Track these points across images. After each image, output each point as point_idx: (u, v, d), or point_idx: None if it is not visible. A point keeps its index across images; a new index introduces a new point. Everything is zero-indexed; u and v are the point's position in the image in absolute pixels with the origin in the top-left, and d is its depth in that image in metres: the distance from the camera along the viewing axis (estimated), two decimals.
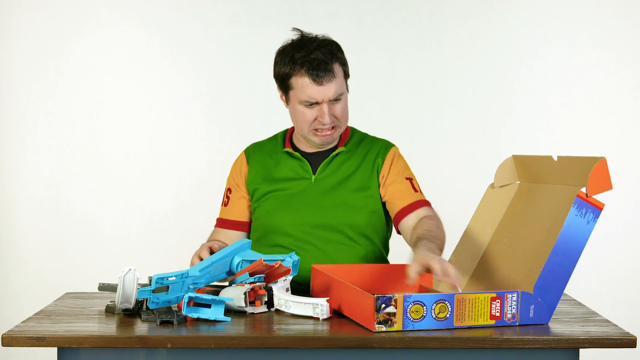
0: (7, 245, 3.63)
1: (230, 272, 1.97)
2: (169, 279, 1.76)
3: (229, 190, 2.38)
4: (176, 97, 3.64)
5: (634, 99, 3.64)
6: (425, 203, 2.28)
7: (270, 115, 3.61)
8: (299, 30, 2.27)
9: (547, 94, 3.64)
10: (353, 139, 2.36)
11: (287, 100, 2.29)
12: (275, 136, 2.42)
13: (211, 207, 3.62)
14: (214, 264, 1.90)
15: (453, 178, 3.60)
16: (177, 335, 1.68)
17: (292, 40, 2.26)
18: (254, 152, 2.39)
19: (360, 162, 2.31)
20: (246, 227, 2.36)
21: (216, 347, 1.66)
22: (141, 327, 1.74)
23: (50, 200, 3.62)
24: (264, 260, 1.89)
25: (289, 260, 1.95)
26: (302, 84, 2.20)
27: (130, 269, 1.81)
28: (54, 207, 3.62)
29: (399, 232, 2.31)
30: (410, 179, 2.31)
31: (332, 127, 2.24)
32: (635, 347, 1.70)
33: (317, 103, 2.20)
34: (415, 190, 2.30)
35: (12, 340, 1.67)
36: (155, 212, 3.65)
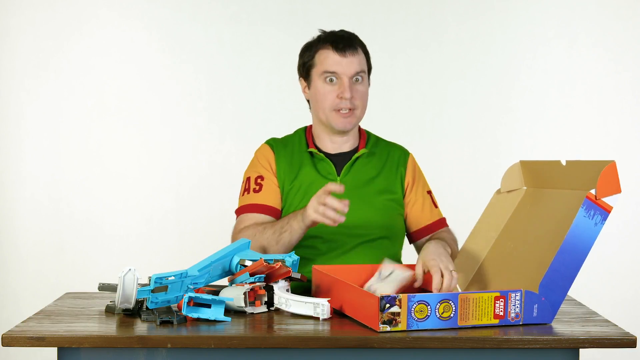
0: (7, 245, 3.63)
1: (230, 272, 1.97)
2: (168, 278, 1.76)
3: (260, 177, 2.28)
4: (176, 97, 3.64)
5: (634, 99, 3.63)
6: (444, 224, 2.35)
7: (270, 115, 3.61)
8: (324, 30, 2.31)
9: (547, 94, 3.64)
10: (370, 141, 2.37)
11: (308, 86, 2.28)
12: (295, 134, 2.38)
13: (211, 207, 3.63)
14: (213, 264, 1.90)
15: (453, 178, 3.60)
16: (177, 335, 1.67)
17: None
18: (277, 147, 2.33)
19: (382, 165, 2.33)
20: (280, 216, 2.28)
21: (216, 347, 1.66)
22: (141, 327, 1.74)
23: (50, 200, 3.62)
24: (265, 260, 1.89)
25: (289, 260, 1.96)
26: (325, 55, 2.22)
27: (130, 269, 1.81)
28: (54, 207, 3.62)
29: (411, 242, 2.37)
30: (430, 192, 2.37)
31: (350, 110, 2.23)
32: (635, 347, 1.70)
33: (338, 78, 2.21)
34: (435, 206, 2.36)
35: (12, 340, 1.67)
36: (155, 212, 3.65)
